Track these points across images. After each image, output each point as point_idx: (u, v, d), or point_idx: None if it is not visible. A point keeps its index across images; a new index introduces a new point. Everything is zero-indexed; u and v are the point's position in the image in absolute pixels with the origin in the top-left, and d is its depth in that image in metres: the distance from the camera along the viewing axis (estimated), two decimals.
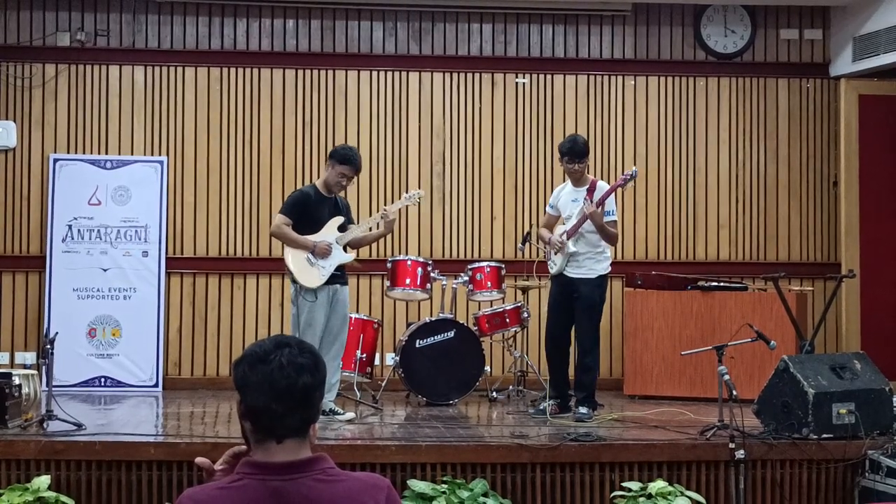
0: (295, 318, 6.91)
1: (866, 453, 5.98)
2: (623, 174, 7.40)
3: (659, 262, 9.22)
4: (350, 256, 7.03)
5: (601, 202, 7.06)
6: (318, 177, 7.52)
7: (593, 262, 7.18)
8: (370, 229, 7.17)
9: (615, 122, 9.40)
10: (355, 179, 7.27)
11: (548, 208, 7.61)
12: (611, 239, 7.30)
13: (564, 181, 7.49)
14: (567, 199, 7.30)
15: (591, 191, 7.16)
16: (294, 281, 6.89)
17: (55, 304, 8.73)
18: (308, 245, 6.86)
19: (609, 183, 7.60)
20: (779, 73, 9.53)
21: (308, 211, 6.95)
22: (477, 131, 9.31)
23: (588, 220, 7.07)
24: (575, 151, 7.17)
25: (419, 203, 7.94)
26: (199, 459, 2.47)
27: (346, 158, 6.95)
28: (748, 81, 9.52)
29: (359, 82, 9.25)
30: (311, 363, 2.40)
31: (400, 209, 7.50)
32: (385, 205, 9.00)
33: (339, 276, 6.97)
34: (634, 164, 9.28)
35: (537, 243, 7.99)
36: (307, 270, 6.86)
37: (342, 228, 6.99)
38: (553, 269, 7.29)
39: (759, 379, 7.03)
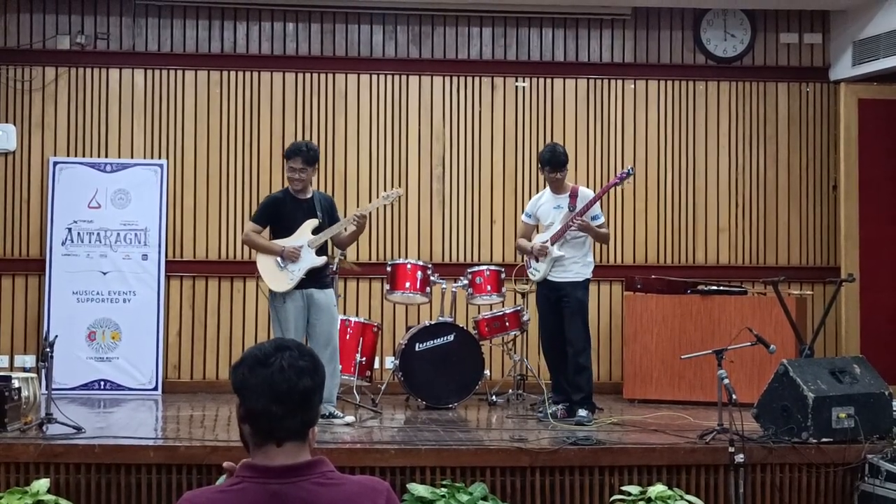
0: (274, 322, 6.97)
1: (866, 457, 5.99)
2: (620, 172, 7.47)
3: (658, 266, 9.22)
4: (322, 260, 6.89)
5: (589, 207, 7.13)
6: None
7: (580, 266, 7.31)
8: (346, 229, 7.05)
9: (615, 125, 9.40)
10: (324, 172, 7.17)
11: (525, 218, 7.65)
12: (604, 240, 7.53)
13: (545, 188, 7.54)
14: (548, 206, 7.37)
15: (573, 196, 7.21)
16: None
17: (55, 307, 8.72)
18: (276, 250, 6.86)
19: (592, 189, 7.65)
20: (778, 77, 9.53)
21: (281, 215, 6.95)
22: (477, 135, 9.31)
23: (572, 227, 7.15)
24: (555, 161, 7.25)
25: (396, 201, 7.95)
26: (226, 464, 2.48)
27: (288, 152, 6.97)
28: (748, 85, 9.52)
29: (359, 86, 9.25)
30: (310, 366, 2.41)
31: (377, 207, 7.51)
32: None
33: (314, 280, 6.88)
34: (634, 168, 9.30)
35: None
36: (276, 275, 6.87)
37: (317, 231, 6.94)
38: (536, 276, 7.36)
39: (759, 383, 7.02)
